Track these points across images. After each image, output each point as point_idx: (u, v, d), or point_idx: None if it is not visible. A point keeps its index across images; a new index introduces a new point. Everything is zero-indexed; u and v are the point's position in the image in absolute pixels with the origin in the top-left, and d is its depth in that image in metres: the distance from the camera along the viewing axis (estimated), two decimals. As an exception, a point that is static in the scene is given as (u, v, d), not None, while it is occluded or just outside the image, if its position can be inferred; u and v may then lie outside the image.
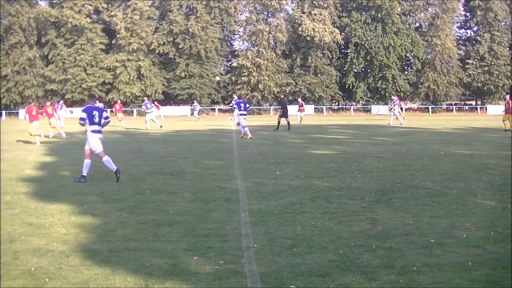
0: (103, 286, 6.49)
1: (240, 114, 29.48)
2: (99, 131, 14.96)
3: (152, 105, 40.94)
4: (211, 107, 77.63)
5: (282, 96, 40.57)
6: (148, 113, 38.90)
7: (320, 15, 76.66)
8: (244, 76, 76.23)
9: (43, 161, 19.40)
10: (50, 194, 12.50)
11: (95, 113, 14.87)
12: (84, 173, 14.67)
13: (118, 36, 74.68)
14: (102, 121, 15.18)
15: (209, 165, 17.54)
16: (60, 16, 74.21)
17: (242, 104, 29.87)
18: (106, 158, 14.73)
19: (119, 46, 75.54)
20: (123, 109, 54.58)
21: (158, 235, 8.67)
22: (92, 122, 14.76)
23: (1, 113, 72.74)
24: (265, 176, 14.77)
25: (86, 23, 74.03)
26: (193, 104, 63.65)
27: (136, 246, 8.06)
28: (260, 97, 77.52)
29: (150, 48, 76.05)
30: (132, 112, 73.74)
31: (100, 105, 53.98)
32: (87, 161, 14.79)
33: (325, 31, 75.19)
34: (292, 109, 50.44)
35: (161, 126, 38.47)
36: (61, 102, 49.12)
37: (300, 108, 45.70)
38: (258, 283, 6.49)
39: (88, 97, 16.46)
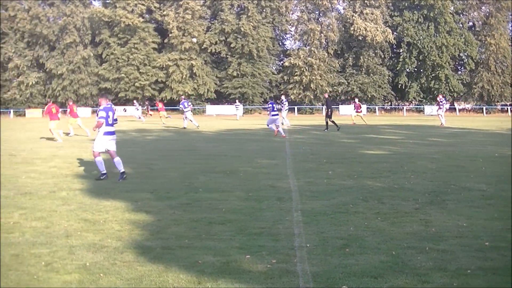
0: (156, 283, 6.56)
1: (273, 115, 30.00)
2: (113, 133, 15.22)
3: (190, 103, 41.08)
4: (263, 106, 77.64)
5: (326, 96, 40.35)
6: (186, 111, 39.37)
7: (372, 14, 76.04)
8: (296, 75, 76.01)
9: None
10: (104, 191, 12.67)
11: (110, 114, 15.11)
12: (104, 171, 14.91)
13: (170, 35, 75.26)
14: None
15: (261, 164, 17.54)
16: (113, 16, 75.15)
17: (271, 106, 30.51)
18: (117, 160, 14.91)
19: (171, 45, 76.11)
20: (164, 107, 55.05)
21: (211, 233, 8.72)
22: (107, 123, 14.99)
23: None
24: (317, 176, 14.70)
25: (138, 22, 74.80)
26: (235, 104, 63.41)
27: (189, 244, 8.12)
28: (312, 97, 77.27)
29: (202, 47, 76.42)
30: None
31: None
32: (98, 159, 14.99)
33: (377, 30, 74.58)
34: (348, 110, 50.10)
35: (197, 126, 38.76)
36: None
37: (358, 110, 45.28)
38: (310, 282, 6.48)
39: (101, 96, 16.43)
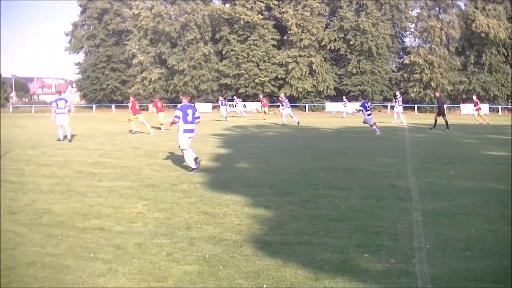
0: (273, 277, 6.63)
1: (368, 114, 29.88)
2: (191, 130, 15.67)
3: (286, 100, 41.02)
4: (383, 104, 76.52)
5: (438, 95, 39.38)
6: (286, 108, 39.49)
7: (495, 10, 73.25)
8: (416, 73, 74.45)
9: (218, 153, 20.00)
10: (224, 185, 12.90)
11: (189, 112, 15.56)
12: (193, 166, 15.41)
13: (289, 32, 75.47)
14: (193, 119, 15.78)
15: (381, 163, 17.31)
16: (233, 13, 76.06)
17: (366, 104, 30.25)
18: (187, 155, 15.45)
19: (290, 42, 76.33)
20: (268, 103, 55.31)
21: (329, 230, 8.72)
22: (185, 121, 15.46)
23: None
24: (438, 176, 14.35)
25: (258, 19, 75.32)
26: (343, 102, 62.27)
27: (307, 240, 8.16)
28: (432, 95, 75.53)
29: (322, 44, 76.24)
30: (305, 108, 74.15)
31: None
32: (187, 155, 15.57)
33: (500, 27, 71.91)
34: (469, 109, 48.73)
35: (298, 123, 38.87)
36: (221, 98, 50.94)
37: (476, 107, 43.78)
38: (429, 284, 6.39)
39: (183, 94, 16.76)
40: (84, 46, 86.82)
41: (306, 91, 74.80)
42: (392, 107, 60.93)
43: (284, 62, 75.89)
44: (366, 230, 8.71)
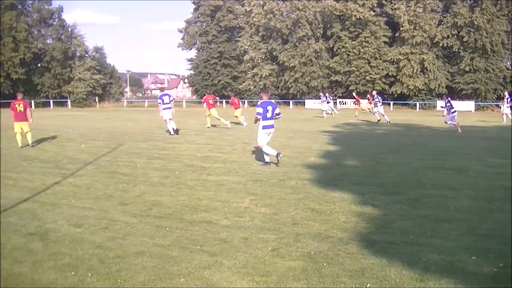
0: (378, 277, 6.57)
1: (452, 112, 29.68)
2: (271, 126, 16.09)
3: (379, 98, 40.41)
4: (495, 103, 74.15)
5: None
6: (379, 105, 39.23)
7: None
8: (534, 72, 71.90)
9: (327, 150, 19.94)
10: (332, 182, 12.85)
11: (269, 108, 15.94)
12: (267, 160, 16.08)
13: (401, 29, 74.18)
14: (274, 116, 16.16)
15: (493, 163, 16.72)
16: (344, 10, 75.49)
17: (449, 103, 30.24)
18: (265, 148, 15.98)
19: (402, 39, 75.05)
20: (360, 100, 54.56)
21: (437, 231, 8.53)
22: (265, 117, 15.86)
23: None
24: (553, 178, 13.82)
25: (370, 16, 74.47)
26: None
27: (413, 240, 8.03)
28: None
29: (434, 41, 74.60)
30: (415, 106, 72.83)
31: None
32: (265, 148, 16.01)
33: None
34: None
35: (378, 121, 38.49)
36: (325, 94, 50.67)
37: None
38: (541, 291, 6.17)
39: (262, 91, 16.88)
40: (197, 43, 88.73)
41: (417, 89, 73.29)
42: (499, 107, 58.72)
43: (395, 59, 74.75)
44: (474, 232, 8.47)
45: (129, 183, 13.00)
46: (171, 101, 27.07)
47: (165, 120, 26.89)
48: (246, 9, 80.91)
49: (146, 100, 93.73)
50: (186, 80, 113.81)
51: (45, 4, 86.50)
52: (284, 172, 14.60)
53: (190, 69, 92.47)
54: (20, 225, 9.10)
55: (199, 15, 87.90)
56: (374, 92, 41.89)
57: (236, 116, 34.28)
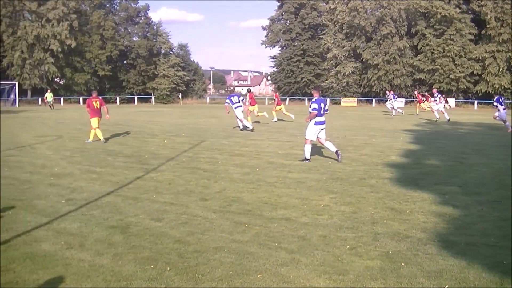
0: (456, 279, 6.47)
1: (504, 109, 29.33)
2: (323, 122, 16.35)
3: (440, 96, 39.59)
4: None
5: None
6: (438, 103, 38.86)
7: None
8: None
9: (408, 149, 19.73)
10: (413, 182, 12.72)
11: (322, 105, 16.29)
12: (307, 157, 16.33)
13: (487, 26, 72.47)
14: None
15: None
16: (429, 7, 74.33)
17: (500, 99, 29.77)
18: (307, 147, 16.37)
19: (488, 36, 73.30)
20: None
21: (520, 233, 8.36)
22: (319, 114, 16.18)
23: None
24: None
25: (455, 13, 73.06)
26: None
27: (494, 242, 7.87)
28: None
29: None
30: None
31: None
32: (308, 147, 16.36)
33: None
34: None
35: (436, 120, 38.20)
36: (392, 92, 50.20)
37: None
38: None
39: (314, 88, 17.00)
40: (280, 40, 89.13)
41: (502, 87, 71.42)
42: None
43: (480, 57, 73.11)
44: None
45: (210, 179, 13.17)
46: (241, 100, 28.31)
47: (240, 119, 27.75)
48: (330, 7, 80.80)
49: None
50: (269, 78, 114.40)
51: (132, 2, 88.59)
52: (365, 170, 14.53)
53: (273, 67, 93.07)
54: (103, 218, 9.36)
55: (283, 13, 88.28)
56: (434, 90, 41.63)
57: (282, 112, 35.54)
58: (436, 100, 38.89)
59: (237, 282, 6.38)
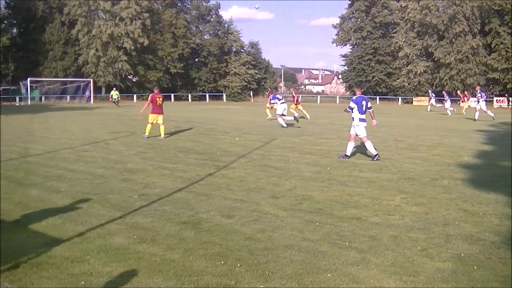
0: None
1: None
2: (364, 120, 16.81)
3: (482, 94, 38.55)
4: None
5: None
6: (481, 101, 38.32)
7: None
8: None
9: (482, 149, 19.36)
10: (486, 183, 12.46)
11: (363, 103, 16.79)
12: (348, 153, 16.85)
13: None
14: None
15: None
16: (504, 4, 72.76)
17: None
18: (368, 143, 16.71)
19: None
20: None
21: None
22: (360, 111, 16.70)
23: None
24: None
25: (531, 10, 71.52)
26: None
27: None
28: None
29: None
30: None
31: None
32: (351, 144, 16.86)
33: None
34: None
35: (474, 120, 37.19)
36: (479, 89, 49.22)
37: None
38: None
39: (357, 86, 17.16)
40: (351, 39, 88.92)
41: None
42: None
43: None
44: None
45: (281, 177, 13.23)
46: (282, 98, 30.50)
47: (279, 115, 29.18)
48: (401, 5, 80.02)
49: (300, 95, 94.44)
50: (340, 76, 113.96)
51: (203, 1, 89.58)
52: (437, 171, 14.34)
53: (344, 65, 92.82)
54: (174, 214, 9.50)
55: (354, 11, 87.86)
56: (477, 88, 40.97)
57: (300, 109, 35.81)
58: (481, 98, 38.06)
59: (306, 281, 6.39)
